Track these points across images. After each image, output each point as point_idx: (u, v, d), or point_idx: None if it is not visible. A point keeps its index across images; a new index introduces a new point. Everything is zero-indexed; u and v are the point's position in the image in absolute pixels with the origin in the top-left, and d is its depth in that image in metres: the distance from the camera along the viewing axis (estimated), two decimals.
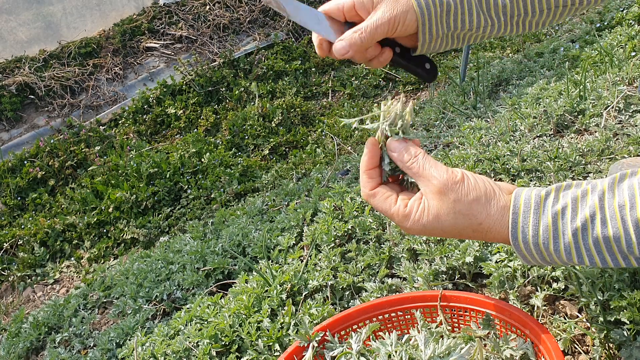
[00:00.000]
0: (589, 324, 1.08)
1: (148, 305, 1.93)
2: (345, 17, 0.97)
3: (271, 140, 4.50)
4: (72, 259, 3.56)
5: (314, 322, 1.27)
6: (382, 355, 0.90)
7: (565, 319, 1.12)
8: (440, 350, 0.88)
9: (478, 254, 1.30)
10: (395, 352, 0.89)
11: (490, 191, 0.80)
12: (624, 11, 3.48)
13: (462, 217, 0.79)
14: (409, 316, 1.07)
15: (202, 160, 4.14)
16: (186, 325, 1.50)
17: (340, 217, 1.73)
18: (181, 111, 4.94)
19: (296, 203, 2.24)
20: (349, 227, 1.63)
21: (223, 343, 1.34)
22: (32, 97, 5.04)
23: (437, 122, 2.78)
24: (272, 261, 1.69)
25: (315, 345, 0.99)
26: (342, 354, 0.97)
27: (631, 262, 0.72)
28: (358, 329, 1.05)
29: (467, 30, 0.99)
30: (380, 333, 1.07)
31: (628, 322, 1.00)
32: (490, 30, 1.00)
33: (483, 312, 1.00)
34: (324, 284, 1.42)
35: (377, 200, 0.85)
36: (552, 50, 3.59)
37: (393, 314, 1.07)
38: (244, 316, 1.39)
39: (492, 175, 1.69)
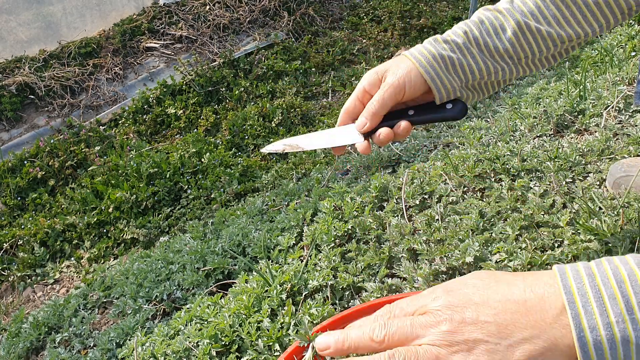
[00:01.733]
0: None
1: (148, 305, 1.93)
2: (361, 106, 1.02)
3: (271, 140, 4.50)
4: (72, 259, 3.56)
5: (314, 322, 1.27)
6: None
7: None
8: None
9: (478, 254, 1.30)
10: None
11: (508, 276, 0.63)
12: None
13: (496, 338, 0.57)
14: None
15: (202, 160, 4.14)
16: (186, 325, 1.50)
17: (340, 217, 1.73)
18: (181, 111, 4.94)
19: (296, 203, 2.24)
20: (349, 227, 1.63)
21: (223, 343, 1.34)
22: (32, 97, 5.04)
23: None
24: (272, 261, 1.69)
25: (313, 352, 0.99)
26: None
27: None
28: None
29: (479, 79, 1.01)
30: None
31: None
32: (503, 75, 1.02)
33: None
34: (324, 284, 1.42)
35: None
36: None
37: None
38: (244, 316, 1.39)
39: (492, 175, 1.69)
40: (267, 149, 1.06)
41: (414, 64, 0.96)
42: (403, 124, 0.98)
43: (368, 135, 1.01)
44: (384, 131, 0.98)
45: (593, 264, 0.59)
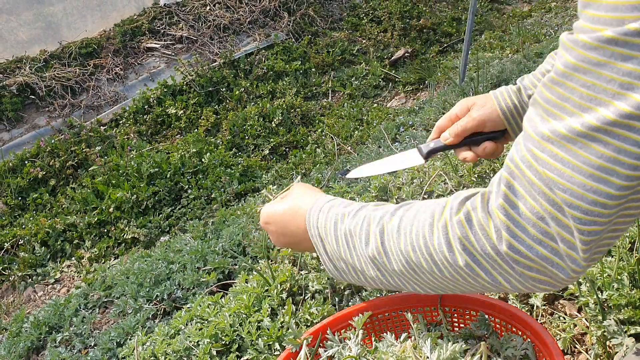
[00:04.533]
0: (588, 324, 1.09)
1: (148, 305, 1.94)
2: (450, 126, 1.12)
3: (271, 140, 4.51)
4: (73, 258, 3.57)
5: (314, 321, 1.28)
6: None
7: (564, 318, 1.13)
8: (445, 355, 0.88)
9: None
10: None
11: (313, 191, 0.96)
12: None
13: (288, 205, 0.94)
14: (410, 315, 1.07)
15: (203, 160, 4.14)
16: (187, 324, 1.50)
17: None
18: (182, 111, 4.95)
19: None
20: None
21: (223, 342, 1.34)
22: (33, 97, 5.04)
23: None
24: (272, 261, 1.69)
25: (307, 350, 0.99)
26: (346, 358, 0.97)
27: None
28: (353, 329, 1.05)
29: None
30: (382, 334, 1.07)
31: (627, 322, 1.00)
32: None
33: (484, 312, 1.00)
34: (326, 286, 1.42)
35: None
36: (552, 50, 3.59)
37: (393, 313, 1.08)
38: (244, 316, 1.39)
39: (492, 175, 1.69)
40: (352, 175, 1.18)
41: (497, 108, 1.06)
42: (489, 145, 1.07)
43: (429, 155, 1.12)
44: (468, 154, 1.08)
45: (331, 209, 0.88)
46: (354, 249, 0.80)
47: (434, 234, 0.68)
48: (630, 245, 1.17)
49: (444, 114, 1.19)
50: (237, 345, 1.34)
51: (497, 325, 0.99)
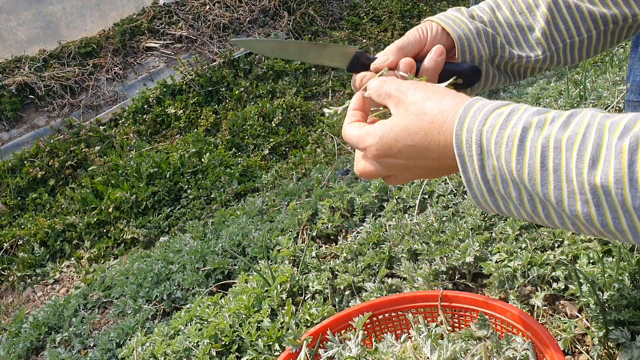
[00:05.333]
0: (589, 324, 1.08)
1: (148, 305, 1.93)
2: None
3: (271, 140, 4.50)
4: (72, 259, 3.56)
5: (314, 322, 1.27)
6: None
7: (565, 318, 1.12)
8: (445, 355, 0.88)
9: (478, 254, 1.30)
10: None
11: (448, 91, 0.70)
12: None
13: (414, 118, 0.68)
14: (410, 315, 1.07)
15: (202, 160, 4.14)
16: (186, 325, 1.50)
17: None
18: (181, 111, 4.94)
19: (296, 203, 2.24)
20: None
21: (223, 343, 1.34)
22: (32, 97, 5.03)
23: None
24: (271, 261, 1.69)
25: (307, 351, 0.99)
26: (346, 358, 0.97)
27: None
28: (354, 329, 1.05)
29: (507, 58, 0.92)
30: (383, 335, 1.07)
31: (628, 322, 1.00)
32: (535, 62, 0.92)
33: (484, 312, 1.00)
34: (326, 286, 1.42)
35: (349, 128, 0.78)
36: None
37: (393, 314, 1.07)
38: (244, 316, 1.39)
39: None
40: (237, 41, 1.00)
41: (439, 23, 0.90)
42: (405, 60, 0.88)
43: (353, 65, 0.91)
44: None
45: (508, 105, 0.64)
46: (554, 171, 0.56)
47: None
48: (631, 245, 1.16)
49: None
50: (236, 346, 1.33)
51: (498, 326, 0.99)
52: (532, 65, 0.93)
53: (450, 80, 0.83)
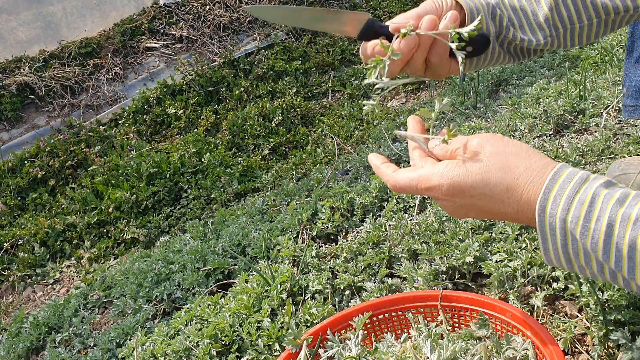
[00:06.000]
0: (588, 324, 1.08)
1: (148, 305, 1.93)
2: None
3: (271, 140, 4.50)
4: (72, 258, 3.56)
5: (314, 321, 1.27)
6: None
7: (565, 318, 1.12)
8: (445, 355, 0.88)
9: (478, 254, 1.30)
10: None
11: (532, 150, 0.71)
12: None
13: (497, 170, 0.68)
14: (410, 315, 1.07)
15: (202, 160, 4.14)
16: (186, 325, 1.50)
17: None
18: (181, 111, 4.94)
19: (296, 203, 2.24)
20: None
21: (223, 343, 1.34)
22: (32, 97, 5.03)
23: (437, 122, 2.77)
24: (271, 261, 1.69)
25: (307, 351, 0.99)
26: (346, 358, 0.97)
27: None
28: (354, 329, 1.05)
29: (510, 39, 0.93)
30: (382, 335, 1.07)
31: (628, 322, 1.00)
32: (537, 44, 0.93)
33: (484, 312, 1.00)
34: (326, 286, 1.42)
35: (400, 174, 0.79)
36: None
37: (393, 314, 1.07)
38: (244, 316, 1.39)
39: None
40: (250, 8, 0.97)
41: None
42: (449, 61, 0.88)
43: (365, 34, 0.88)
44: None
45: (594, 177, 0.67)
46: None
47: None
48: None
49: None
50: (236, 346, 1.33)
51: (497, 325, 0.99)
52: (533, 47, 0.95)
53: (472, 26, 0.82)
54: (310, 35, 5.89)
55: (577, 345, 1.06)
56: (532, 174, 0.68)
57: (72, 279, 3.37)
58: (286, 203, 2.42)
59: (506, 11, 0.94)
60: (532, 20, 0.94)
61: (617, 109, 1.89)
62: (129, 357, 1.56)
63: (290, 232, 1.84)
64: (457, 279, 1.32)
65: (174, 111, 4.92)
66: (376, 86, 0.88)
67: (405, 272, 1.35)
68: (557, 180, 0.66)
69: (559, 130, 1.94)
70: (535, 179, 0.68)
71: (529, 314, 1.11)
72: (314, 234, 1.74)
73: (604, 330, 1.01)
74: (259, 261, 1.78)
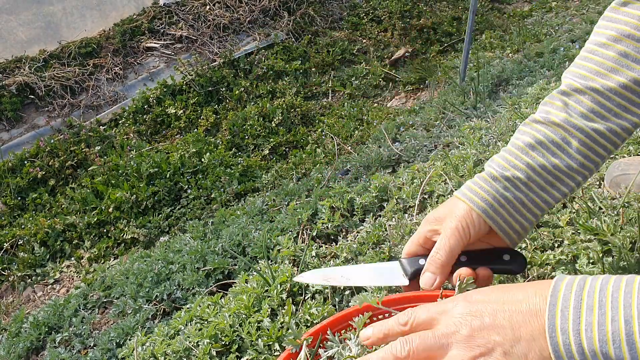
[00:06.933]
0: None
1: (148, 305, 1.93)
2: (423, 251, 0.94)
3: (271, 140, 4.50)
4: (72, 258, 3.57)
5: (314, 321, 1.27)
6: None
7: None
8: None
9: None
10: None
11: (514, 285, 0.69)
12: None
13: (494, 303, 0.66)
14: None
15: (202, 160, 4.14)
16: (186, 325, 1.50)
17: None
18: (181, 111, 4.94)
19: (296, 203, 2.24)
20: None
21: (223, 343, 1.34)
22: (32, 97, 5.04)
23: (437, 122, 2.78)
24: (271, 261, 1.69)
25: (307, 351, 0.99)
26: (346, 358, 0.97)
27: None
28: (354, 329, 1.05)
29: (547, 209, 0.91)
30: None
31: None
32: (571, 192, 0.91)
33: None
34: (326, 287, 1.41)
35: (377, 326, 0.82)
36: (552, 50, 3.59)
37: (394, 314, 1.07)
38: (244, 316, 1.39)
39: None
40: (302, 279, 1.01)
41: (469, 207, 0.86)
42: (462, 271, 0.86)
43: (415, 275, 0.92)
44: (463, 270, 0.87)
45: (592, 277, 0.62)
46: None
47: None
48: (631, 245, 1.16)
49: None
50: (236, 346, 1.33)
51: None
52: (567, 195, 0.93)
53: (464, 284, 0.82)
54: (310, 35, 5.89)
55: None
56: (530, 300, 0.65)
57: (72, 279, 3.37)
58: (286, 203, 2.42)
59: (543, 177, 0.88)
60: (566, 180, 0.90)
61: None
62: (129, 357, 1.56)
63: (290, 232, 1.84)
64: None
65: (174, 111, 4.92)
66: None
67: None
68: (556, 301, 0.62)
69: None
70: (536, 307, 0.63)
71: None
72: (314, 234, 1.74)
73: None
74: (259, 261, 1.78)
